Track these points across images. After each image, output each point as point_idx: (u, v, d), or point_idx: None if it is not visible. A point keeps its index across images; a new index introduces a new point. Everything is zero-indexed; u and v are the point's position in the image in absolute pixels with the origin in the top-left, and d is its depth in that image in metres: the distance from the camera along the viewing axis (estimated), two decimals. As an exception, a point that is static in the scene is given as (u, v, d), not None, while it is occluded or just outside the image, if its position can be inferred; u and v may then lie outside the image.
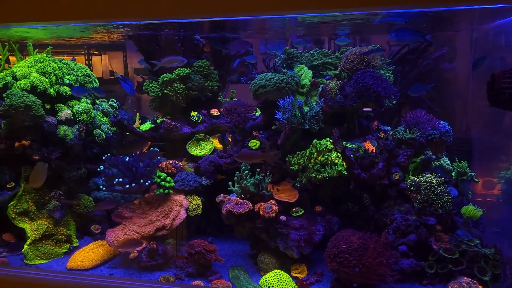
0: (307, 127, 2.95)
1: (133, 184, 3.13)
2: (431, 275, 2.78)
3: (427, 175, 2.77)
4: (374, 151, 3.11)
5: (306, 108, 2.96)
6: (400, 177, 3.06)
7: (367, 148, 3.04)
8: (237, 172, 3.05)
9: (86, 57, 6.01)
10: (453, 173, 3.17)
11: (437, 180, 2.71)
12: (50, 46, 4.01)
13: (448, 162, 3.18)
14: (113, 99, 4.00)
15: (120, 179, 3.14)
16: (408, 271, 2.81)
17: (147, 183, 3.18)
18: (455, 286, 2.64)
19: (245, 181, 2.97)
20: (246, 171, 3.00)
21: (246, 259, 3.27)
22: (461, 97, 3.61)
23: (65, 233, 3.45)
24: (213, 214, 3.49)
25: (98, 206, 3.39)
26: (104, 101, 3.93)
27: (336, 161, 3.03)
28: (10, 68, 3.77)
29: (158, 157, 3.37)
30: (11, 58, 4.01)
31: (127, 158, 3.22)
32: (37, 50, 3.97)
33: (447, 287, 2.66)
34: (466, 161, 3.10)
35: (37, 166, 3.16)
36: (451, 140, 3.04)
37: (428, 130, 2.84)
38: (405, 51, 3.54)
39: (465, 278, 2.66)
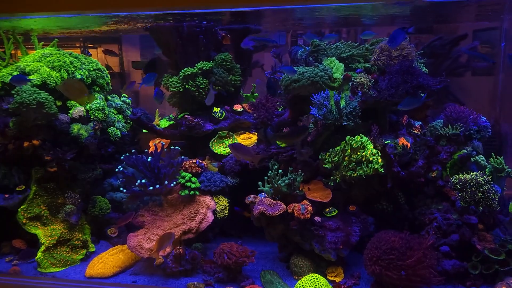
0: (345, 123, 2.80)
1: (157, 186, 2.94)
2: (475, 276, 2.68)
3: (473, 173, 2.66)
4: (409, 147, 2.99)
5: (342, 103, 2.81)
6: (437, 175, 2.95)
7: (402, 144, 2.91)
8: (269, 172, 2.89)
9: (82, 50, 5.77)
10: (487, 170, 3.07)
11: (484, 178, 2.60)
12: (56, 39, 3.77)
13: (483, 158, 3.07)
14: (124, 94, 3.78)
15: (143, 181, 2.95)
16: (451, 273, 2.70)
17: (172, 184, 2.99)
18: (503, 287, 2.55)
19: (278, 181, 2.81)
20: (280, 171, 2.84)
21: (276, 262, 3.13)
22: (490, 90, 3.52)
23: (81, 238, 3.24)
24: (237, 215, 3.33)
25: (119, 222, 3.18)
26: (116, 97, 3.71)
27: (371, 158, 2.89)
28: (15, 62, 3.53)
29: (182, 157, 3.17)
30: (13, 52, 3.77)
31: (149, 158, 3.02)
32: (42, 43, 3.73)
33: (494, 288, 2.56)
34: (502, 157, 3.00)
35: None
36: (489, 134, 2.93)
37: (471, 125, 2.73)
38: (437, 43, 3.42)
39: (513, 279, 2.57)
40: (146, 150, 3.82)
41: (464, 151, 2.89)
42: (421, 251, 2.55)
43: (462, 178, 2.63)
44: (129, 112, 3.64)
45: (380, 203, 3.06)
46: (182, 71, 3.34)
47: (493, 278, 2.64)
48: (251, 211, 2.98)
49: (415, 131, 3.11)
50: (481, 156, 3.07)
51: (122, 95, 3.78)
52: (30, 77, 3.14)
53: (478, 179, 2.59)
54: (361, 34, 3.60)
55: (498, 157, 3.00)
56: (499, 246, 2.66)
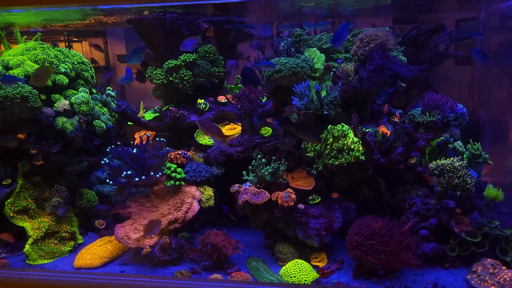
0: (326, 112, 2.86)
1: (143, 177, 2.98)
2: (453, 258, 2.78)
3: (450, 158, 2.74)
4: (388, 135, 3.06)
5: (323, 93, 2.87)
6: (417, 161, 3.03)
7: (382, 132, 2.98)
8: (253, 161, 2.95)
9: (66, 44, 5.74)
10: (465, 155, 3.16)
11: (460, 163, 2.68)
12: (39, 32, 3.77)
13: (461, 144, 3.16)
14: (109, 87, 3.80)
15: (129, 172, 2.99)
16: (430, 255, 2.79)
17: (158, 175, 3.03)
18: (479, 267, 2.64)
19: (262, 170, 2.87)
20: (264, 160, 2.90)
21: (262, 250, 3.19)
22: (468, 79, 3.60)
23: (69, 230, 3.28)
24: (221, 205, 3.38)
25: (113, 211, 3.22)
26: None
27: (353, 146, 2.97)
28: (-1, 57, 3.53)
29: (167, 148, 3.21)
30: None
31: (135, 149, 3.06)
32: (25, 37, 3.72)
33: (471, 269, 2.65)
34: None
35: (42, 67, 3.01)
36: (466, 122, 3.02)
37: (448, 113, 2.81)
38: (414, 33, 3.48)
39: (488, 259, 2.66)
40: (132, 142, 3.87)
41: (442, 137, 2.97)
42: (400, 235, 2.63)
43: (440, 163, 2.72)
44: (114, 105, 3.67)
45: (362, 190, 3.13)
46: (166, 63, 3.37)
47: (470, 259, 2.73)
48: (236, 200, 3.04)
49: (395, 119, 3.18)
50: (459, 142, 3.16)
51: (107, 88, 3.80)
52: (13, 71, 3.15)
53: (455, 164, 2.67)
54: (317, 24, 3.63)
55: (475, 143, 3.10)
56: (476, 228, 2.75)
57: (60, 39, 5.69)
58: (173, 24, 3.33)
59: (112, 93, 3.72)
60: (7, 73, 3.16)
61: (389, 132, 3.09)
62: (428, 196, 2.93)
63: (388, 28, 3.34)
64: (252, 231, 3.34)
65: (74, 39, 5.76)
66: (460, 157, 2.85)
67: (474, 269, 2.65)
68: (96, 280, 2.85)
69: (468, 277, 2.64)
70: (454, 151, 3.14)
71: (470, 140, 3.11)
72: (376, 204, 3.16)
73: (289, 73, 2.89)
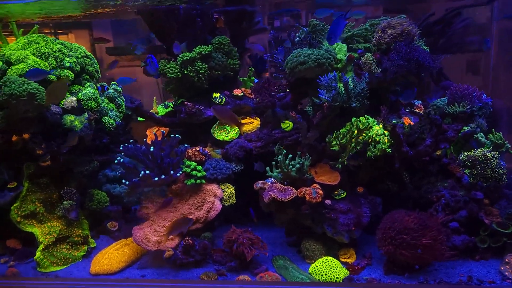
0: (354, 105, 2.77)
1: (163, 176, 2.83)
2: (483, 250, 2.76)
3: (481, 149, 2.70)
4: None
5: (351, 85, 2.78)
6: (442, 153, 2.98)
7: (409, 124, 2.92)
8: (279, 157, 2.84)
9: (52, 36, 5.48)
10: (485, 146, 3.13)
11: (492, 154, 2.65)
12: (36, 25, 3.54)
13: (482, 134, 3.13)
14: (114, 82, 3.60)
15: (147, 172, 2.83)
16: (461, 248, 2.76)
17: (178, 174, 2.89)
18: (512, 259, 2.63)
19: (290, 166, 2.76)
20: (290, 155, 2.80)
21: (284, 247, 3.11)
22: (482, 66, 3.58)
23: (81, 234, 3.11)
24: (239, 202, 3.27)
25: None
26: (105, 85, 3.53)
27: (378, 139, 2.89)
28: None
29: (185, 145, 3.06)
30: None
31: (151, 147, 2.90)
32: (22, 30, 3.49)
33: (504, 260, 2.64)
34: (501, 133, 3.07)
35: (57, 81, 2.86)
36: (490, 111, 2.99)
37: (477, 103, 2.76)
38: (430, 21, 3.42)
39: (521, 250, 2.65)
40: (136, 139, 3.70)
41: (468, 128, 2.93)
42: (434, 229, 2.58)
43: (472, 155, 2.67)
44: (121, 100, 3.48)
45: (385, 183, 3.07)
46: (180, 56, 3.20)
47: (501, 251, 2.71)
48: (260, 197, 2.93)
49: (417, 110, 3.12)
50: (480, 133, 3.13)
51: (112, 82, 3.60)
52: (17, 67, 2.93)
53: (487, 156, 2.63)
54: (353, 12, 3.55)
55: (497, 133, 3.07)
56: (506, 219, 2.73)
57: (44, 31, 5.43)
58: (187, 15, 3.16)
59: (118, 87, 3.53)
60: (10, 68, 2.94)
61: (412, 123, 3.04)
62: (455, 187, 2.89)
63: (404, 16, 3.26)
64: (270, 228, 3.25)
65: (59, 31, 5.51)
66: (490, 147, 2.82)
67: (507, 260, 2.63)
68: (116, 286, 2.71)
69: (502, 268, 2.62)
70: (475, 141, 3.10)
71: (493, 129, 3.08)
72: (399, 196, 3.11)
73: (314, 64, 2.78)
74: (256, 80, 3.59)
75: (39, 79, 2.84)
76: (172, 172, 2.85)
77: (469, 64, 3.71)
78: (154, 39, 3.40)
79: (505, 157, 3.21)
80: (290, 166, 2.78)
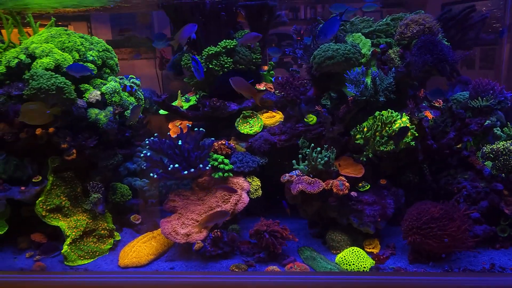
0: (382, 99, 2.83)
1: (192, 170, 2.86)
2: (503, 239, 2.86)
3: (504, 142, 2.79)
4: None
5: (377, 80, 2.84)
6: (462, 146, 3.07)
7: (433, 117, 3.00)
8: (306, 150, 2.89)
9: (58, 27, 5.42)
10: (501, 138, 3.22)
11: (515, 146, 2.74)
12: (53, 18, 3.52)
13: (498, 128, 3.23)
14: (132, 76, 3.60)
15: (176, 165, 2.85)
16: (482, 237, 2.85)
17: (207, 167, 2.92)
18: (532, 247, 2.74)
19: (318, 159, 2.82)
20: (318, 148, 2.85)
21: (309, 239, 3.17)
22: (496, 60, 3.67)
23: (106, 227, 3.12)
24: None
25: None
26: (125, 79, 3.53)
27: (402, 132, 2.96)
28: (14, 44, 3.26)
29: (212, 138, 3.09)
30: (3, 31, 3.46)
31: (179, 141, 2.92)
32: (39, 22, 3.46)
33: (524, 249, 2.75)
34: None
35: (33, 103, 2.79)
36: (509, 106, 3.08)
37: (499, 97, 2.85)
38: (448, 15, 3.49)
39: (540, 239, 2.76)
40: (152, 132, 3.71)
41: (488, 121, 3.02)
42: (459, 219, 2.67)
43: (495, 147, 2.76)
44: (141, 94, 3.48)
45: (407, 174, 3.15)
46: (205, 50, 3.22)
47: (521, 240, 2.82)
48: (287, 189, 2.98)
49: (436, 104, 3.20)
50: (497, 127, 3.22)
51: (130, 76, 3.60)
52: (42, 61, 2.92)
53: (510, 148, 2.72)
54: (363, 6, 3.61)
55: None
56: (525, 209, 2.83)
57: (44, 24, 5.37)
58: (213, 9, 3.17)
59: (137, 81, 3.53)
60: (35, 62, 2.92)
61: (432, 117, 3.12)
62: (475, 179, 2.98)
63: (423, 12, 3.33)
64: (292, 220, 3.30)
65: (59, 23, 5.45)
66: (507, 140, 2.91)
67: (527, 248, 2.74)
68: (147, 279, 2.73)
69: (522, 256, 2.73)
70: (492, 134, 3.20)
71: (508, 123, 3.18)
72: (419, 188, 3.19)
73: (342, 59, 2.83)
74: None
75: (80, 75, 2.85)
76: (201, 165, 2.88)
77: (482, 58, 3.80)
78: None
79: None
80: (319, 159, 2.84)
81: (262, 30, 3.42)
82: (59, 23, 5.40)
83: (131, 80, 3.50)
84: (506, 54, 3.59)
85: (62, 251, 2.91)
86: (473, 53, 3.80)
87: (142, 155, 3.01)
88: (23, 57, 2.97)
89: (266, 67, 3.63)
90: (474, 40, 3.51)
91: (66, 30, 3.19)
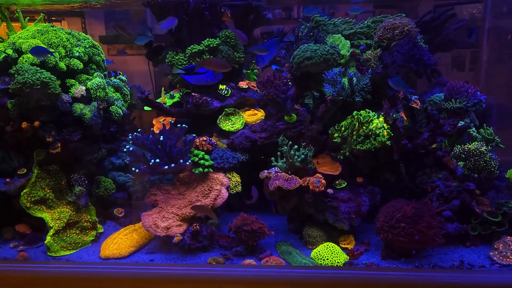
0: (358, 99, 2.92)
1: (172, 165, 2.94)
2: (474, 237, 2.94)
3: (475, 143, 2.88)
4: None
5: (354, 80, 2.92)
6: (437, 146, 3.15)
7: (408, 118, 3.08)
8: (285, 147, 2.97)
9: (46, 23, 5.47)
10: (476, 140, 3.30)
11: (485, 147, 2.82)
12: (42, 14, 3.58)
13: (474, 129, 3.31)
14: (120, 72, 3.67)
15: (157, 160, 2.93)
16: (453, 235, 2.94)
17: (187, 163, 3.00)
18: (500, 245, 2.82)
19: (295, 156, 2.90)
20: (296, 146, 2.93)
21: (287, 234, 3.25)
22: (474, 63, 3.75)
23: (89, 220, 3.20)
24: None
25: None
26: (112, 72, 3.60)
27: (378, 131, 3.04)
28: (2, 39, 3.33)
29: (193, 134, 3.17)
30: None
31: (161, 136, 3.00)
32: (28, 18, 3.53)
33: (493, 246, 2.83)
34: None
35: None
36: (483, 108, 3.16)
37: (472, 99, 2.93)
38: (428, 18, 3.57)
39: (508, 237, 2.85)
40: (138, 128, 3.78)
41: (462, 122, 3.10)
42: (430, 217, 2.76)
43: (466, 148, 2.85)
44: (126, 90, 3.56)
45: (384, 173, 3.23)
46: (189, 48, 3.29)
47: (490, 238, 2.90)
48: (265, 185, 3.07)
49: (414, 105, 3.28)
50: (472, 128, 3.31)
51: (118, 72, 3.67)
52: (28, 56, 2.99)
53: (481, 149, 2.81)
54: (350, 9, 3.68)
55: (488, 128, 3.26)
56: (495, 208, 2.92)
57: (34, 18, 5.43)
58: (196, 8, 3.24)
59: (123, 77, 3.60)
60: (21, 57, 2.99)
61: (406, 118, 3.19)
62: (449, 179, 3.06)
63: (404, 15, 3.41)
64: (272, 216, 3.37)
65: (52, 18, 5.51)
66: (482, 141, 3.00)
67: (496, 246, 2.82)
68: (126, 270, 2.81)
69: (491, 253, 2.81)
70: (468, 136, 3.28)
71: (484, 125, 3.26)
72: (395, 187, 3.27)
73: (320, 60, 2.91)
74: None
75: (42, 57, 2.91)
76: (181, 161, 2.96)
77: (457, 60, 3.89)
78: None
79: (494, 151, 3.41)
80: (296, 157, 2.92)
81: (246, 29, 3.49)
82: (53, 18, 5.50)
83: (118, 77, 3.57)
84: (485, 56, 3.68)
85: (45, 241, 2.99)
86: (445, 58, 3.89)
87: (124, 149, 3.09)
88: (10, 51, 3.04)
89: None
90: (453, 43, 3.59)
91: (53, 27, 3.26)
